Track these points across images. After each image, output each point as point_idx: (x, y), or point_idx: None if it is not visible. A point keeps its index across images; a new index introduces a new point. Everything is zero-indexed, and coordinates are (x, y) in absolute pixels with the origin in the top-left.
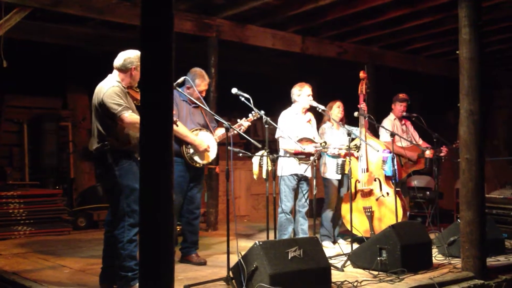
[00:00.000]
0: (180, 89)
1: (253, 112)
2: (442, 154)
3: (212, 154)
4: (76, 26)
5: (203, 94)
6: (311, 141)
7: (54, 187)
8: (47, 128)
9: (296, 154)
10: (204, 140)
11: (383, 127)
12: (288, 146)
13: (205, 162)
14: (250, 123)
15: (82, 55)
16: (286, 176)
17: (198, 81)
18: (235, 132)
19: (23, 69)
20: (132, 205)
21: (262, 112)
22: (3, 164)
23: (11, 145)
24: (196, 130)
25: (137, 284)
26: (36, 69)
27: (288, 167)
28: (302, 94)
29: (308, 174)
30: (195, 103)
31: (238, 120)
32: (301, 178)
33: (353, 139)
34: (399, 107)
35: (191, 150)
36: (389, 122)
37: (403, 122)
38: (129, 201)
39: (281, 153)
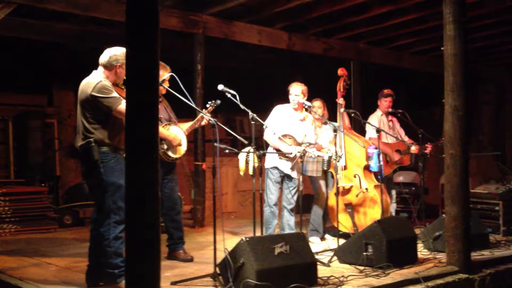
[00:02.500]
0: None
1: (209, 102)
2: (427, 151)
3: (183, 148)
4: (61, 23)
5: (167, 84)
6: (294, 139)
7: (40, 184)
8: (32, 125)
9: (276, 150)
10: (177, 135)
11: (368, 123)
12: (269, 138)
13: (178, 156)
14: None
15: (68, 52)
16: (268, 168)
17: (160, 72)
18: (203, 123)
19: (7, 65)
20: (118, 202)
21: (218, 101)
22: None
23: None
24: (166, 125)
25: (124, 281)
26: (21, 66)
27: (269, 160)
28: (290, 92)
29: (289, 172)
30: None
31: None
32: (285, 175)
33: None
34: (384, 102)
35: (165, 146)
36: (376, 118)
37: (389, 118)
38: (114, 198)
39: (265, 143)
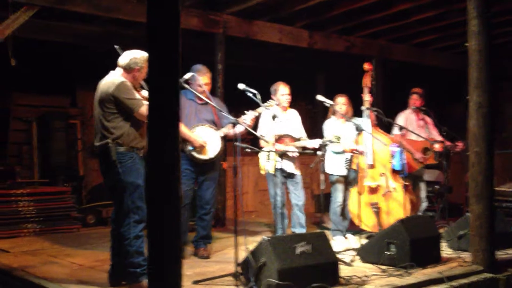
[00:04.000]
0: (187, 86)
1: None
2: (457, 149)
3: (211, 149)
4: (83, 24)
5: (208, 89)
6: (291, 137)
7: (63, 184)
8: (56, 126)
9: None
10: (199, 136)
11: (390, 120)
12: (263, 144)
13: (205, 157)
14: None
15: (90, 53)
16: (271, 171)
17: (200, 76)
18: (243, 127)
19: (31, 67)
20: (136, 201)
21: (264, 104)
22: (13, 163)
23: (20, 144)
24: (195, 126)
25: (146, 280)
26: (45, 68)
27: (271, 164)
28: (281, 93)
29: (293, 170)
30: (203, 100)
31: (246, 112)
32: (288, 174)
33: (360, 132)
34: (410, 100)
35: (189, 147)
36: (403, 116)
37: (421, 116)
38: (133, 197)
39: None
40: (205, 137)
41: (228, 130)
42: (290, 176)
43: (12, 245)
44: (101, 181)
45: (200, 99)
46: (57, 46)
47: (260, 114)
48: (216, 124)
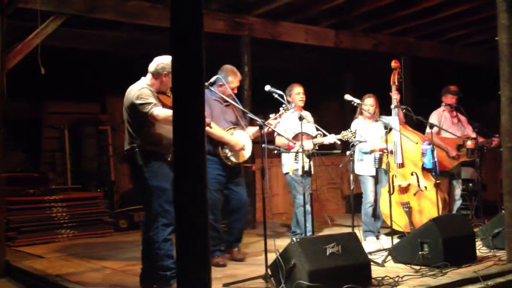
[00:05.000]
0: (212, 88)
1: (283, 105)
2: (493, 145)
3: (247, 153)
4: (111, 31)
5: (235, 91)
6: (308, 135)
7: (96, 190)
8: (87, 132)
9: (289, 149)
10: (240, 140)
11: (419, 118)
12: (281, 141)
13: (240, 161)
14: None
15: (119, 60)
16: (299, 172)
17: (231, 78)
18: (270, 129)
19: (61, 76)
20: (164, 205)
21: (293, 104)
22: (46, 170)
23: (53, 151)
24: (231, 129)
25: (176, 283)
26: (74, 75)
27: (288, 163)
28: (292, 93)
29: (308, 168)
30: (227, 101)
31: (271, 115)
32: (305, 172)
33: (390, 131)
34: (446, 98)
35: (227, 151)
36: (437, 113)
37: (455, 114)
38: (160, 201)
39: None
40: (243, 140)
41: (257, 133)
42: (307, 174)
43: (46, 251)
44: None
45: (224, 100)
46: (86, 54)
47: (282, 116)
48: (239, 125)
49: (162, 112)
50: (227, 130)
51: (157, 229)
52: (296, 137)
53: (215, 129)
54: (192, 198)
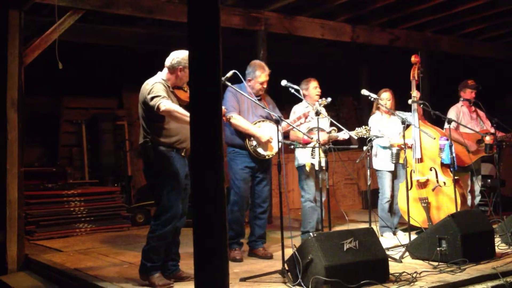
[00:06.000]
0: (244, 82)
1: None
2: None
3: (275, 145)
4: (127, 27)
5: (265, 85)
6: (322, 130)
7: (113, 184)
8: (104, 127)
9: (305, 144)
10: (265, 132)
11: (437, 113)
12: (295, 135)
13: (269, 153)
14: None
15: (135, 55)
16: (302, 165)
17: (259, 72)
18: (286, 124)
19: (78, 71)
20: (172, 200)
21: (329, 99)
22: (64, 164)
23: (71, 146)
24: (259, 122)
25: (155, 275)
26: (92, 71)
27: (302, 157)
28: (309, 87)
29: (324, 163)
30: (257, 96)
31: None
32: (320, 167)
33: (407, 126)
34: (463, 93)
35: (254, 143)
36: (455, 109)
37: (473, 109)
38: (169, 196)
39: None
40: (270, 133)
41: (287, 127)
42: (321, 169)
43: (65, 244)
44: None
45: (254, 94)
46: (103, 49)
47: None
48: (270, 119)
49: (167, 106)
50: (255, 124)
51: (159, 222)
52: (310, 132)
53: (241, 122)
54: (209, 191)
